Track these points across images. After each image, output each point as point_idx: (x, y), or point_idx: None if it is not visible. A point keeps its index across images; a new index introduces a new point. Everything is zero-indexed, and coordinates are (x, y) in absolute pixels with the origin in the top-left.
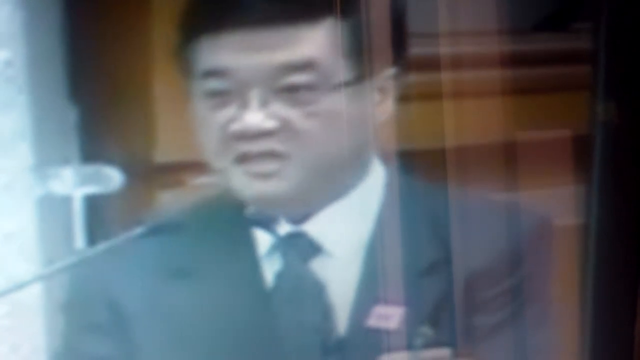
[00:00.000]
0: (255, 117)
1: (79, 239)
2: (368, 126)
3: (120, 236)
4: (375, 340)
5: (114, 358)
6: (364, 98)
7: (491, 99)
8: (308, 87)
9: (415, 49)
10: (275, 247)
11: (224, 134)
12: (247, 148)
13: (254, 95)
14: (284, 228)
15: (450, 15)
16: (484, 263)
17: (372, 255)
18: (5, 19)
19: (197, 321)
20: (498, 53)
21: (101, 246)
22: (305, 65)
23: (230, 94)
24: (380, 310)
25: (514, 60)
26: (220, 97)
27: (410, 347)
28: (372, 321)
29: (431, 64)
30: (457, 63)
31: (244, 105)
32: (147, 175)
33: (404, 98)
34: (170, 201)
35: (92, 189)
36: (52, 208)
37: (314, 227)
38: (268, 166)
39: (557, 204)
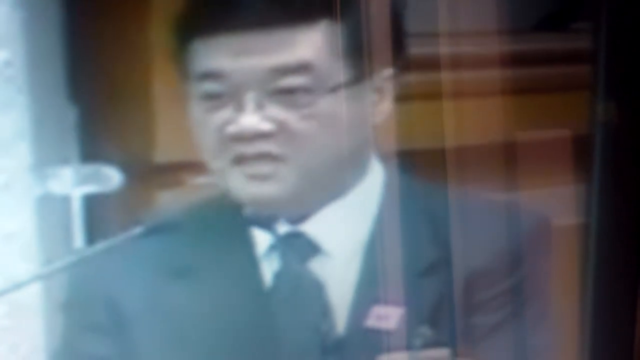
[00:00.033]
0: (251, 120)
1: (78, 239)
2: (366, 127)
3: (119, 236)
4: (374, 340)
5: (113, 358)
6: (361, 99)
7: (491, 99)
8: (304, 90)
9: (415, 49)
10: (273, 247)
11: (221, 135)
12: (243, 150)
13: (250, 98)
14: (283, 228)
15: (450, 15)
16: (484, 263)
17: (371, 255)
18: (4, 19)
19: (196, 321)
20: (498, 53)
21: (100, 246)
22: (300, 68)
23: (226, 96)
24: (379, 310)
25: (514, 60)
26: (216, 99)
27: (409, 347)
28: (371, 321)
29: (431, 64)
30: (456, 63)
31: (239, 107)
32: (146, 175)
33: (403, 98)
34: (169, 201)
35: (91, 189)
36: (52, 208)
37: (313, 227)
38: (264, 168)
39: (557, 204)
